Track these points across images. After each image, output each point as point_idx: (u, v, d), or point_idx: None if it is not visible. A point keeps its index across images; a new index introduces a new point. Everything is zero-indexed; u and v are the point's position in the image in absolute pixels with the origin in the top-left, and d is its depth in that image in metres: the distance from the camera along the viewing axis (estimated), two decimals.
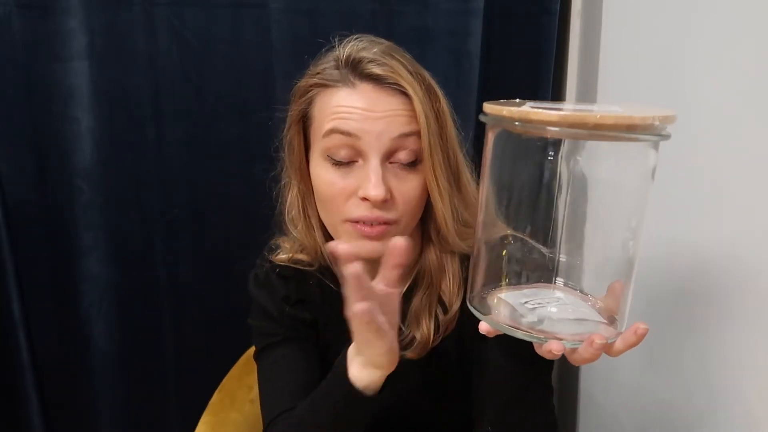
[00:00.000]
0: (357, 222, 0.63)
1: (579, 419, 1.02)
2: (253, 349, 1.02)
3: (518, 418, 0.63)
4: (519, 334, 0.46)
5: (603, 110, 0.41)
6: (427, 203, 0.68)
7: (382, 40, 0.67)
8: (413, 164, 0.64)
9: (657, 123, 0.41)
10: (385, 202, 0.62)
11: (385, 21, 1.07)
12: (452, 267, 0.72)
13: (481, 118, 0.48)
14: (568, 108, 0.42)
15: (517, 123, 0.43)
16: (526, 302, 0.47)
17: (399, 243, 0.51)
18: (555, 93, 1.12)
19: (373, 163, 0.61)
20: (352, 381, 0.56)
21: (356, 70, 0.63)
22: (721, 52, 0.67)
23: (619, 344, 0.48)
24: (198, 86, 1.12)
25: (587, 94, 1.04)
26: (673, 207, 0.76)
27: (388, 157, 0.63)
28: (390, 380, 0.58)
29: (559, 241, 0.49)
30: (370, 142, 0.61)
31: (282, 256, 0.77)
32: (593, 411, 0.97)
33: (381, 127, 0.61)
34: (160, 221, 1.18)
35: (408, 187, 0.64)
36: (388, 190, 0.62)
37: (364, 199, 0.62)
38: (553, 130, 0.41)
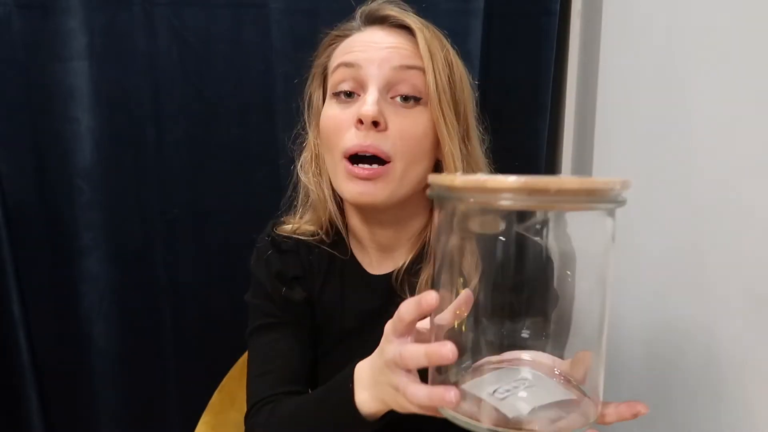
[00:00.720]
0: (351, 161, 0.63)
1: None
2: None
3: None
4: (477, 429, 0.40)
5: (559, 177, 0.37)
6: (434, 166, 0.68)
7: (403, 3, 0.69)
8: (416, 101, 0.63)
9: (617, 188, 0.38)
10: (379, 128, 0.61)
11: None
12: None
13: (429, 193, 0.44)
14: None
15: (471, 199, 0.38)
16: (494, 391, 0.42)
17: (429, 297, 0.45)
18: (555, 93, 1.12)
19: (371, 89, 0.62)
20: (358, 407, 0.54)
21: (369, 18, 0.67)
22: (721, 52, 0.67)
23: (612, 416, 0.45)
24: (198, 86, 1.12)
25: (587, 94, 1.04)
26: (673, 206, 0.76)
27: (388, 89, 0.63)
28: None
29: (523, 314, 0.45)
30: (371, 71, 0.62)
31: (286, 227, 0.77)
32: None
33: (382, 56, 0.62)
34: (160, 221, 1.18)
35: (406, 122, 0.63)
36: (382, 116, 0.61)
37: (360, 122, 0.61)
38: (506, 203, 0.36)
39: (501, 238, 0.40)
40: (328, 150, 0.67)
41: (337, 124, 0.64)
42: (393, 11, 0.65)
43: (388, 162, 0.63)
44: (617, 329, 0.88)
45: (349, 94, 0.64)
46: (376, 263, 0.74)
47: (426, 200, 0.69)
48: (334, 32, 0.69)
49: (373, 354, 0.53)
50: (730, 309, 0.66)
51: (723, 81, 0.66)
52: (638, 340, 0.84)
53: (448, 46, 0.67)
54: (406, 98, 0.63)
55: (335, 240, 0.75)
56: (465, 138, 0.67)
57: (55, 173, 1.14)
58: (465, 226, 0.43)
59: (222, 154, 1.15)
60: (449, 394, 0.41)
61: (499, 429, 0.39)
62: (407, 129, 0.62)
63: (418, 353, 0.44)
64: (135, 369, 1.25)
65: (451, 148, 0.64)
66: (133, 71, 1.10)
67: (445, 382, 0.44)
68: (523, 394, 0.41)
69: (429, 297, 0.44)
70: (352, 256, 0.74)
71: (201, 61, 1.10)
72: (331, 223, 0.74)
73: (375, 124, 0.61)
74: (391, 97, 0.63)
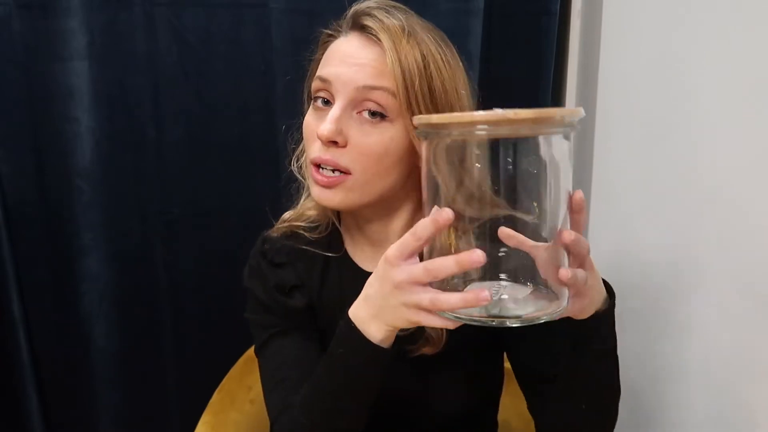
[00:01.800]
0: (316, 166, 0.65)
1: None
2: (253, 348, 1.02)
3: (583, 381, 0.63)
4: (476, 322, 0.49)
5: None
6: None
7: (401, 6, 0.67)
8: (381, 117, 0.63)
9: (567, 115, 0.46)
10: (337, 146, 0.63)
11: None
12: None
13: (416, 132, 0.51)
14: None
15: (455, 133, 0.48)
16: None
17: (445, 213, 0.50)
18: (555, 93, 1.12)
19: (336, 106, 0.63)
20: (371, 339, 0.56)
21: (354, 21, 0.66)
22: (720, 52, 0.67)
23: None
24: (198, 86, 1.12)
25: (587, 94, 1.04)
26: (673, 206, 0.76)
27: (354, 105, 0.63)
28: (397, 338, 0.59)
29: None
30: (338, 87, 0.63)
31: (287, 215, 0.78)
32: None
33: (350, 75, 0.63)
34: (160, 221, 1.18)
35: (367, 139, 0.63)
36: (341, 135, 0.62)
37: (318, 137, 0.63)
38: (480, 133, 0.46)
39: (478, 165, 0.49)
40: (306, 151, 0.69)
41: (309, 132, 0.67)
42: (372, 21, 0.63)
43: (348, 173, 0.64)
44: (616, 328, 0.88)
45: (326, 102, 0.65)
46: (371, 259, 0.75)
47: (411, 193, 0.71)
48: (327, 30, 0.70)
49: (368, 287, 0.57)
50: (730, 309, 0.66)
51: (722, 80, 0.66)
52: (638, 340, 0.84)
53: (436, 54, 0.65)
54: (372, 113, 0.63)
55: (331, 234, 0.76)
56: None
57: (55, 173, 1.14)
58: (449, 156, 0.50)
59: (222, 154, 1.15)
60: (484, 293, 0.46)
61: (492, 319, 0.49)
62: (368, 146, 0.63)
63: (447, 263, 0.48)
64: (135, 369, 1.25)
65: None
66: (133, 71, 1.10)
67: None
68: (504, 296, 0.50)
69: (445, 212, 0.48)
70: (346, 253, 0.76)
71: (201, 61, 1.10)
72: (322, 214, 0.76)
73: (332, 141, 0.63)
74: (358, 112, 0.64)
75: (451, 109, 0.65)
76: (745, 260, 0.63)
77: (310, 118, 0.67)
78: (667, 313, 0.77)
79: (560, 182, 0.49)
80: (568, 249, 0.50)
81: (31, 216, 1.16)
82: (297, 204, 0.79)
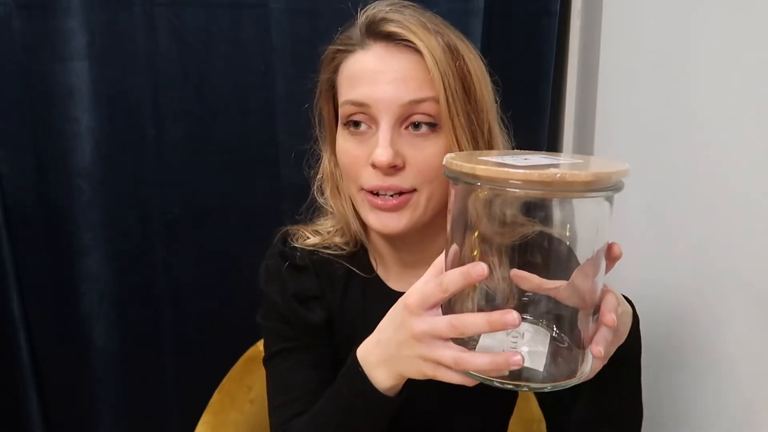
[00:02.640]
0: (371, 192, 0.61)
1: None
2: (253, 348, 1.02)
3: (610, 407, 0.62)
4: (497, 384, 0.45)
5: (564, 166, 0.42)
6: None
7: (407, 2, 0.63)
8: (430, 128, 0.59)
9: (616, 177, 0.42)
10: (396, 169, 0.59)
11: None
12: None
13: (445, 174, 0.47)
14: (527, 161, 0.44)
15: (479, 183, 0.43)
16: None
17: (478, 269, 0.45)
18: (555, 93, 1.12)
19: (383, 128, 0.59)
20: (376, 385, 0.54)
21: (370, 30, 0.61)
22: (720, 52, 0.67)
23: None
24: (198, 86, 1.12)
25: (587, 95, 1.04)
26: (673, 205, 0.76)
27: (401, 122, 0.59)
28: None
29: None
30: (380, 108, 0.58)
31: (313, 240, 0.72)
32: None
33: (391, 93, 0.58)
34: (159, 221, 1.18)
35: (425, 154, 0.59)
36: (399, 156, 0.58)
37: (375, 166, 0.59)
38: (514, 190, 0.41)
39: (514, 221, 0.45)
40: (347, 179, 0.64)
41: (352, 160, 0.62)
42: (397, 26, 0.59)
43: (412, 191, 0.61)
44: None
45: (359, 124, 0.61)
46: (399, 279, 0.71)
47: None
48: (336, 46, 0.64)
49: (382, 332, 0.53)
50: (731, 308, 0.66)
51: (723, 80, 0.66)
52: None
53: (461, 48, 0.61)
54: (421, 125, 0.60)
55: (357, 253, 0.72)
56: (488, 146, 0.64)
57: (55, 173, 1.14)
58: (481, 206, 0.47)
59: (222, 154, 1.15)
60: (516, 357, 0.42)
61: (516, 383, 0.45)
62: (425, 160, 0.60)
63: (477, 321, 0.44)
64: (135, 369, 1.25)
65: None
66: (133, 71, 1.10)
67: (461, 343, 0.47)
68: (524, 348, 0.46)
69: (478, 267, 0.44)
70: (375, 271, 0.72)
71: (201, 61, 1.10)
72: (350, 233, 0.71)
73: (391, 167, 0.59)
74: (405, 128, 0.60)
75: (487, 110, 0.62)
76: (746, 259, 0.63)
77: (348, 145, 0.62)
78: (668, 313, 0.77)
79: (595, 244, 0.45)
80: (605, 324, 0.46)
81: (31, 216, 1.16)
82: (311, 221, 0.75)
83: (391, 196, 0.60)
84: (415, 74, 0.58)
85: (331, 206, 0.71)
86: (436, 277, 0.47)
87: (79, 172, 1.14)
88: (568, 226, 0.46)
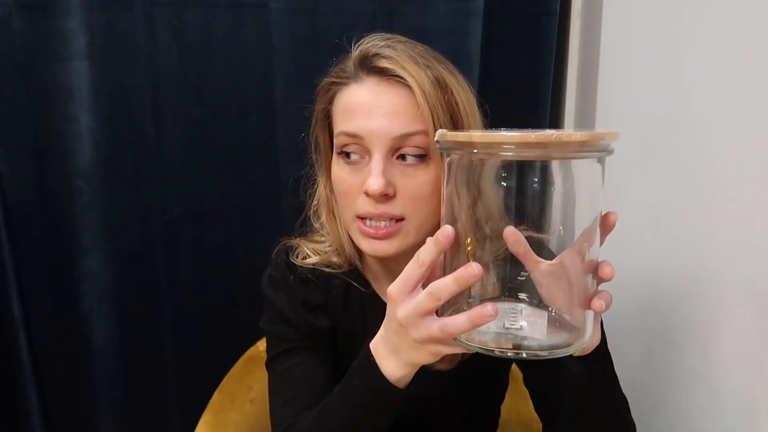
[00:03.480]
0: (364, 220, 0.63)
1: None
2: (253, 348, 1.03)
3: (595, 415, 0.64)
4: (492, 352, 0.47)
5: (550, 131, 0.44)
6: None
7: (399, 37, 0.66)
8: (420, 159, 0.62)
9: (606, 139, 0.44)
10: (387, 197, 0.62)
11: (385, 21, 1.07)
12: None
13: (438, 147, 0.50)
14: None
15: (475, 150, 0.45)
16: (503, 325, 0.48)
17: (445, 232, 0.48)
18: (555, 93, 1.12)
19: (375, 158, 0.61)
20: (386, 375, 0.55)
21: (364, 64, 0.63)
22: (720, 52, 0.67)
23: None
24: (198, 86, 1.12)
25: (587, 94, 1.04)
26: (673, 205, 0.76)
27: (393, 152, 0.62)
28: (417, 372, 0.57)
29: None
30: (373, 140, 0.61)
31: (312, 259, 0.74)
32: None
33: (383, 126, 0.61)
34: (159, 221, 1.18)
35: (415, 183, 0.62)
36: (390, 185, 0.61)
37: (368, 194, 0.61)
38: (508, 154, 0.44)
39: (508, 185, 0.46)
40: (342, 207, 0.67)
41: (346, 189, 0.64)
42: (389, 62, 0.62)
43: (402, 220, 0.63)
44: (616, 328, 0.88)
45: (350, 154, 0.63)
46: None
47: None
48: (330, 78, 0.67)
49: (384, 326, 0.55)
50: (731, 309, 0.66)
51: (723, 80, 0.66)
52: (637, 340, 0.84)
53: (450, 81, 0.63)
54: (411, 156, 0.62)
55: (353, 271, 0.74)
56: None
57: (55, 173, 1.14)
58: (473, 176, 0.48)
59: (222, 154, 1.15)
60: (486, 308, 0.44)
61: (509, 352, 0.46)
62: (416, 190, 0.62)
63: (446, 281, 0.46)
64: (135, 369, 1.25)
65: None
66: (133, 71, 1.10)
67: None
68: (523, 323, 0.48)
69: (445, 230, 0.47)
70: (372, 287, 0.75)
71: (201, 61, 1.10)
72: (345, 255, 0.73)
73: (383, 195, 0.61)
74: (396, 158, 0.62)
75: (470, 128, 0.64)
76: (746, 259, 0.63)
77: (343, 173, 0.64)
78: (668, 314, 0.77)
79: (591, 206, 0.47)
80: (603, 279, 0.48)
81: (31, 216, 1.16)
82: (308, 238, 0.77)
83: (383, 223, 0.63)
84: (406, 108, 0.61)
85: (327, 230, 0.73)
86: (429, 286, 0.48)
87: (79, 172, 1.14)
88: (564, 188, 0.47)
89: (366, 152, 0.63)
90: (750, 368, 0.63)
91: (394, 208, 0.62)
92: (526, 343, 0.47)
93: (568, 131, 0.42)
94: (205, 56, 1.10)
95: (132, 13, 1.08)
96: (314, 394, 0.66)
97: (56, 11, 1.06)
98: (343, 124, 0.63)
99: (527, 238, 0.48)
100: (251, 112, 1.13)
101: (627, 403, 0.66)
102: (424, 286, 0.49)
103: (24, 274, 1.17)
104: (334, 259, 0.74)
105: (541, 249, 0.49)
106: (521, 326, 0.47)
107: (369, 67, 0.63)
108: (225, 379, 1.00)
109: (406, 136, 0.61)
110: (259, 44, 1.09)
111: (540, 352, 0.46)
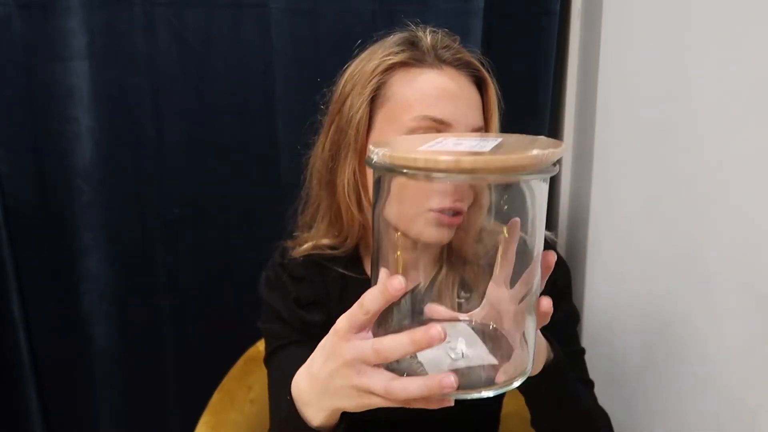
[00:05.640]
0: (440, 211, 0.60)
1: None
2: (253, 348, 1.03)
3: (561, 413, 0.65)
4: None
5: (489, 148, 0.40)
6: None
7: (455, 36, 0.70)
8: None
9: (546, 161, 0.40)
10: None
11: (385, 21, 1.07)
12: None
13: (366, 163, 0.44)
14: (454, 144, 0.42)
15: (405, 171, 0.40)
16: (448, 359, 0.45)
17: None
18: (555, 93, 1.12)
19: None
20: (309, 423, 0.52)
21: (439, 54, 0.65)
22: (720, 52, 0.67)
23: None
24: (198, 86, 1.12)
25: (587, 94, 1.04)
26: (673, 205, 0.76)
27: None
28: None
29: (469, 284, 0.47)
30: (460, 129, 0.63)
31: (306, 246, 0.75)
32: None
33: (469, 118, 0.64)
34: (160, 221, 1.18)
35: None
36: None
37: None
38: (439, 177, 0.39)
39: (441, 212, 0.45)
40: (410, 201, 0.65)
41: None
42: (467, 56, 0.66)
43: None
44: (616, 329, 0.88)
45: None
46: None
47: None
48: (395, 58, 0.65)
49: (314, 360, 0.50)
50: (731, 309, 0.66)
51: (723, 80, 0.66)
52: (637, 340, 0.84)
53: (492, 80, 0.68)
54: None
55: (351, 257, 0.74)
56: None
57: (55, 173, 1.14)
58: (407, 197, 0.46)
59: (222, 154, 1.15)
60: (449, 380, 0.39)
61: (461, 394, 0.42)
62: None
63: (401, 342, 0.41)
64: (135, 369, 1.25)
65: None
66: (133, 71, 1.10)
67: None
68: (465, 349, 0.44)
69: (395, 282, 0.41)
70: (365, 273, 0.75)
71: (201, 61, 1.10)
72: (351, 239, 0.73)
73: None
74: None
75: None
76: (746, 260, 0.63)
77: None
78: (668, 314, 0.77)
79: (536, 228, 0.43)
80: (542, 313, 0.45)
81: (31, 216, 1.16)
82: (301, 227, 0.77)
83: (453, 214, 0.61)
84: (478, 104, 0.65)
85: (348, 210, 0.70)
86: (359, 299, 0.45)
87: (79, 172, 1.14)
88: (503, 209, 0.44)
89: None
90: (750, 369, 0.63)
91: (465, 203, 0.59)
92: (467, 384, 0.42)
93: (510, 152, 0.40)
94: (205, 56, 1.10)
95: (132, 13, 1.07)
96: None
97: (56, 11, 1.06)
98: (426, 108, 0.63)
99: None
100: (251, 112, 1.13)
101: (602, 413, 0.68)
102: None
103: (24, 274, 1.17)
104: (325, 241, 0.74)
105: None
106: (463, 354, 0.43)
107: (445, 57, 0.65)
108: (225, 379, 1.00)
109: (478, 129, 0.64)
110: (259, 44, 1.09)
111: (485, 392, 0.42)
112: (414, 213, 0.52)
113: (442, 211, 0.57)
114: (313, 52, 1.08)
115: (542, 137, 0.44)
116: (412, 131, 0.63)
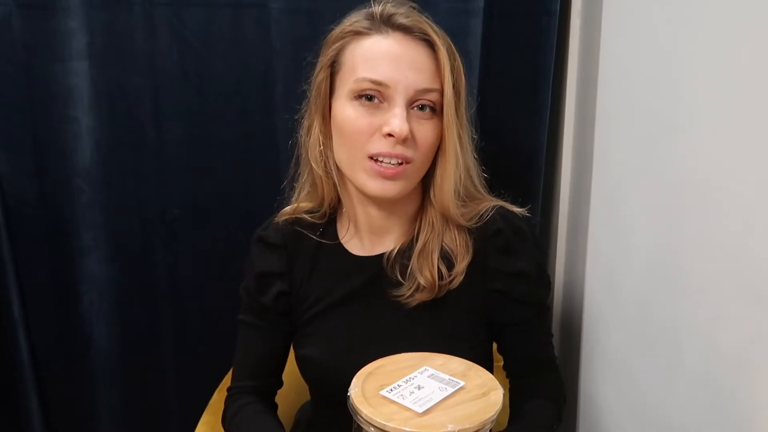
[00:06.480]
0: (377, 161, 0.69)
1: (579, 420, 1.02)
2: None
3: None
4: None
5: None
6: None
7: (413, 3, 0.74)
8: (432, 112, 0.71)
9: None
10: (406, 141, 0.69)
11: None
12: (453, 227, 0.77)
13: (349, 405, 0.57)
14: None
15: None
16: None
17: None
18: (555, 93, 1.12)
19: (399, 106, 0.68)
20: None
21: (389, 20, 0.70)
22: (721, 52, 0.67)
23: None
24: (198, 86, 1.12)
25: (587, 94, 1.04)
26: (673, 205, 0.76)
27: (410, 103, 0.70)
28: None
29: None
30: (399, 90, 0.68)
31: (287, 209, 0.83)
32: (593, 411, 0.97)
33: (409, 79, 0.68)
34: (160, 221, 1.18)
35: (425, 130, 0.70)
36: (411, 132, 0.68)
37: (389, 135, 0.68)
38: None
39: None
40: (348, 147, 0.72)
41: (362, 127, 0.70)
42: (417, 21, 0.70)
43: (407, 163, 0.70)
44: (616, 329, 0.88)
45: (372, 98, 0.70)
46: (368, 246, 0.80)
47: (419, 187, 0.77)
48: (347, 28, 0.72)
49: None
50: (730, 309, 0.66)
51: (723, 80, 0.66)
52: (637, 340, 0.84)
53: (455, 52, 0.72)
54: (423, 107, 0.70)
55: (326, 224, 0.81)
56: (461, 136, 0.74)
57: (55, 173, 1.14)
58: None
59: (222, 154, 1.15)
60: None
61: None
62: (426, 138, 0.71)
63: None
64: (135, 369, 1.25)
65: (457, 151, 0.73)
66: (133, 71, 1.10)
67: None
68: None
69: None
70: (338, 242, 0.81)
71: (201, 61, 1.10)
72: (326, 202, 0.81)
73: (404, 138, 0.68)
74: (411, 108, 0.70)
75: (465, 105, 0.74)
76: (746, 260, 0.63)
77: (359, 113, 0.70)
78: (667, 314, 0.77)
79: None
80: None
81: (31, 216, 1.16)
82: (295, 191, 0.84)
83: (393, 164, 0.69)
84: (428, 66, 0.70)
85: (317, 172, 0.78)
86: None
87: (79, 172, 1.14)
88: None
89: (385, 99, 0.69)
90: (750, 370, 0.63)
91: (407, 151, 0.69)
92: None
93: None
94: (205, 56, 1.10)
95: (132, 13, 1.08)
96: (259, 366, 0.83)
97: (56, 11, 1.06)
98: (366, 71, 0.69)
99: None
100: (251, 112, 1.13)
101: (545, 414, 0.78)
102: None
103: (24, 274, 1.17)
104: (305, 204, 0.82)
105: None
106: None
107: (394, 23, 0.70)
108: (225, 379, 1.00)
109: (425, 91, 0.69)
110: (259, 44, 1.09)
111: None
112: None
113: None
114: (315, 48, 1.08)
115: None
116: (355, 92, 0.70)
